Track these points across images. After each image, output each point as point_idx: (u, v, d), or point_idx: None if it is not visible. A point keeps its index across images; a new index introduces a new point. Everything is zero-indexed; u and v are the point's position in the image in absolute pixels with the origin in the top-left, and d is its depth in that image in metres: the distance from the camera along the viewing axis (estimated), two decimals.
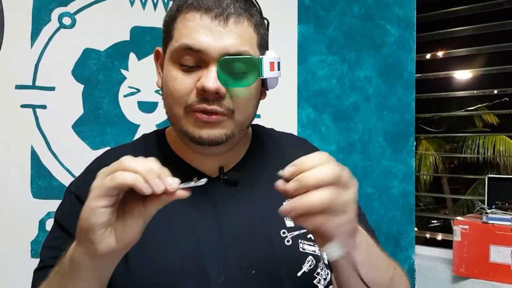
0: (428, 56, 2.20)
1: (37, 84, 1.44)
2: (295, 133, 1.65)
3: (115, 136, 1.50)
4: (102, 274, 0.65)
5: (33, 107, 1.44)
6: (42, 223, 1.43)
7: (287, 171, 0.57)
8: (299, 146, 0.93)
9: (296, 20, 1.72)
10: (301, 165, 0.57)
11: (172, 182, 0.57)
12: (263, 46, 0.80)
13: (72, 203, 0.81)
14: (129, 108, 1.52)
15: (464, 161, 9.81)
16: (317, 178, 0.56)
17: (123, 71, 1.52)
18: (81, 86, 1.48)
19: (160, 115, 1.55)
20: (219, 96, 0.74)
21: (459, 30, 2.15)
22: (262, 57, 0.77)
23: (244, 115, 0.79)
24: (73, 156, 1.46)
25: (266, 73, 0.77)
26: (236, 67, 0.74)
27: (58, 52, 1.46)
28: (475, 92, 2.41)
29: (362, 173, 1.77)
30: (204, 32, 0.73)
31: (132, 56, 1.52)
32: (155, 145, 0.87)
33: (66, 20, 1.47)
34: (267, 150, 0.89)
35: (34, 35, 1.44)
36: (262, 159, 0.87)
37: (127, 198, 0.59)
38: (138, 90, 1.53)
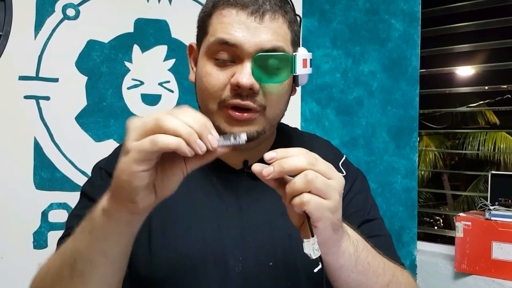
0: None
1: (40, 75, 1.44)
2: (298, 127, 1.65)
3: (118, 128, 1.50)
4: (135, 227, 0.64)
5: (37, 98, 1.43)
6: (44, 214, 1.43)
7: (268, 155, 0.61)
8: (322, 147, 0.94)
9: (300, 14, 1.70)
10: (281, 152, 0.61)
11: (213, 141, 0.57)
12: (296, 43, 0.81)
13: (104, 179, 0.83)
14: (132, 100, 1.51)
15: (465, 158, 9.82)
16: (292, 163, 0.60)
17: (127, 63, 1.51)
18: (85, 78, 1.47)
19: (163, 108, 1.54)
20: (253, 92, 0.75)
21: (463, 25, 2.13)
22: (296, 54, 0.78)
23: (275, 112, 0.80)
24: (76, 148, 1.46)
25: (299, 69, 0.78)
26: (270, 63, 0.75)
27: (61, 43, 1.45)
28: (477, 88, 2.40)
29: (365, 168, 1.77)
30: (240, 27, 0.74)
31: (136, 48, 1.52)
32: None
33: (70, 12, 1.46)
34: (292, 147, 0.90)
35: (38, 26, 1.43)
36: None
37: (167, 154, 0.58)
38: (142, 83, 1.52)
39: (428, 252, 1.91)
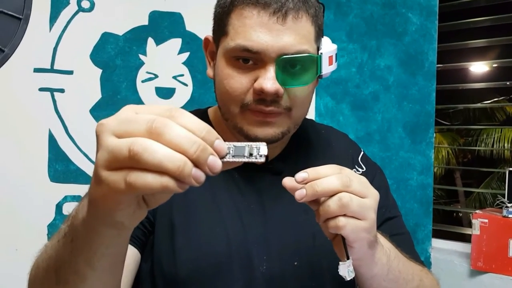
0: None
1: (55, 67, 1.43)
2: None
3: None
4: (126, 237, 0.55)
5: (51, 90, 1.43)
6: (59, 206, 1.43)
7: (299, 176, 0.59)
8: (340, 140, 0.93)
9: None
10: (312, 173, 0.59)
11: (214, 164, 0.42)
12: (320, 35, 0.77)
13: None
14: (146, 93, 1.51)
15: (478, 155, 9.70)
16: (326, 185, 0.58)
17: (141, 56, 1.50)
18: (99, 71, 1.47)
19: (177, 102, 1.54)
20: (277, 96, 0.71)
21: (481, 20, 2.10)
22: (321, 54, 0.74)
23: (301, 111, 0.77)
24: (90, 141, 1.46)
25: (325, 68, 0.75)
26: (295, 65, 0.71)
27: (76, 35, 1.45)
28: (492, 84, 2.36)
29: (380, 164, 1.72)
30: (262, 31, 0.69)
31: (150, 41, 1.51)
32: None
33: (85, 4, 1.46)
34: (311, 140, 0.89)
35: (53, 18, 1.43)
36: (306, 149, 0.87)
37: None
38: (156, 76, 1.52)
39: (443, 250, 1.88)
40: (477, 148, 8.73)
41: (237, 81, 0.72)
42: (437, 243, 1.90)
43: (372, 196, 0.61)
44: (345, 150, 0.90)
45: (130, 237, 0.67)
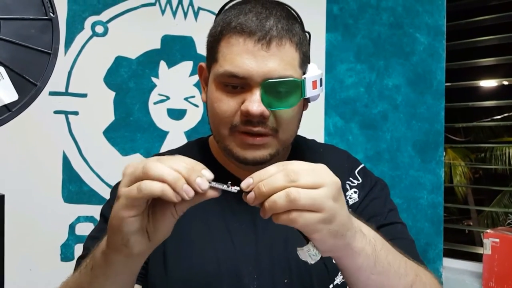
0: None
1: (70, 91, 1.47)
2: (322, 141, 1.64)
3: (144, 143, 1.52)
4: (134, 268, 0.67)
5: (66, 113, 1.47)
6: (72, 227, 1.45)
7: (245, 184, 0.58)
8: (337, 156, 0.94)
9: (324, 28, 1.72)
10: (256, 176, 0.58)
11: (202, 183, 0.56)
12: (305, 62, 0.81)
13: None
14: (158, 115, 1.54)
15: (489, 172, 9.61)
16: (271, 183, 0.56)
17: (154, 79, 1.54)
18: (113, 93, 1.50)
19: (188, 123, 1.57)
20: (263, 118, 0.75)
21: (489, 39, 2.11)
22: (305, 78, 0.78)
23: (288, 133, 0.81)
24: (103, 162, 1.49)
25: (309, 92, 0.79)
26: (279, 89, 0.76)
27: (90, 59, 1.49)
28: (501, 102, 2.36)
29: (390, 183, 1.73)
30: (248, 57, 0.74)
31: (162, 64, 1.54)
32: (199, 153, 0.90)
33: (99, 29, 1.50)
34: (305, 160, 0.90)
35: (68, 43, 1.47)
36: None
37: (157, 199, 0.58)
38: (168, 98, 1.55)
39: (454, 269, 1.86)
40: (491, 166, 8.63)
41: (226, 104, 0.77)
42: (448, 262, 1.89)
43: (328, 184, 0.57)
44: (340, 165, 0.92)
45: None
